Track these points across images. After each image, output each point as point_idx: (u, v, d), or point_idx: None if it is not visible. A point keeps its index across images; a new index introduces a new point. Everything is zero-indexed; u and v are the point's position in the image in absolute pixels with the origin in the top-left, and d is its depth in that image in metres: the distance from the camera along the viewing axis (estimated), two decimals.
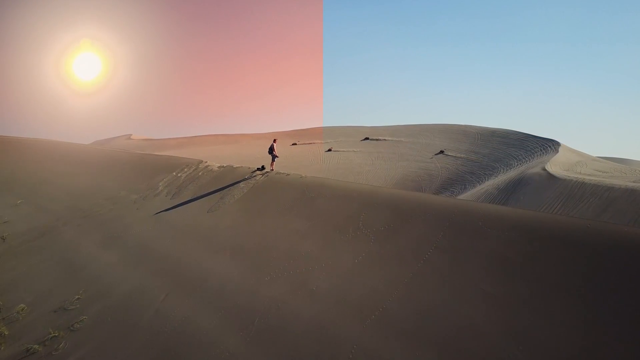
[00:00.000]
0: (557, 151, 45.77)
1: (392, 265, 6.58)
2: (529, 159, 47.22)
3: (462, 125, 56.04)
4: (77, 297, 8.96)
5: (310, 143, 54.69)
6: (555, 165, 40.32)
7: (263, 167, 12.79)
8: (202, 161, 14.54)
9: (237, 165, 13.68)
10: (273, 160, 12.75)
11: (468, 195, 38.52)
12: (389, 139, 52.27)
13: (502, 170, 47.12)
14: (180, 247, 9.56)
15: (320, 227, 8.53)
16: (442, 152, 48.60)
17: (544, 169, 38.02)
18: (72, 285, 9.61)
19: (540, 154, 48.19)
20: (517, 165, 47.06)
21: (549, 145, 50.52)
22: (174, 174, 14.14)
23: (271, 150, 12.68)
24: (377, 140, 52.94)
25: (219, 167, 13.71)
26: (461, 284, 5.58)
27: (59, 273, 10.46)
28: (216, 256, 8.61)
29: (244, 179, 12.11)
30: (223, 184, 12.29)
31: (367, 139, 53.60)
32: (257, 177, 12.14)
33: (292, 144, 56.45)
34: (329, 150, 50.24)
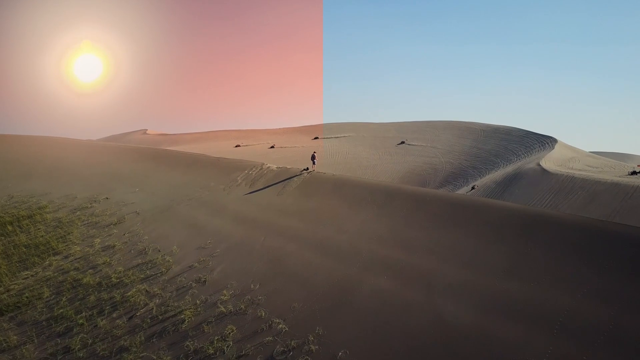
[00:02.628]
0: (553, 147, 50.12)
1: (384, 219, 13.18)
2: (527, 155, 51.80)
3: (466, 122, 60.24)
4: (208, 241, 15.79)
5: (256, 144, 59.87)
6: (550, 161, 45.03)
7: (307, 168, 19.52)
8: (264, 163, 21.42)
9: (289, 166, 20.51)
10: (314, 164, 19.50)
11: (468, 188, 43.87)
12: (338, 136, 57.91)
13: (502, 165, 52.01)
14: (264, 215, 16.41)
15: (346, 202, 15.21)
16: (403, 142, 52.86)
17: (539, 165, 42.72)
18: (201, 237, 16.46)
19: (538, 150, 52.61)
20: (516, 160, 51.78)
21: (546, 142, 54.82)
22: (246, 171, 21.08)
23: (313, 157, 19.48)
24: (327, 138, 58.83)
25: (277, 167, 20.54)
26: (415, 224, 12.14)
27: (188, 231, 17.37)
28: (289, 219, 15.41)
29: (296, 175, 18.90)
30: (282, 178, 19.11)
31: (317, 138, 59.36)
32: (304, 175, 18.89)
33: (236, 146, 61.40)
34: (272, 147, 55.15)
